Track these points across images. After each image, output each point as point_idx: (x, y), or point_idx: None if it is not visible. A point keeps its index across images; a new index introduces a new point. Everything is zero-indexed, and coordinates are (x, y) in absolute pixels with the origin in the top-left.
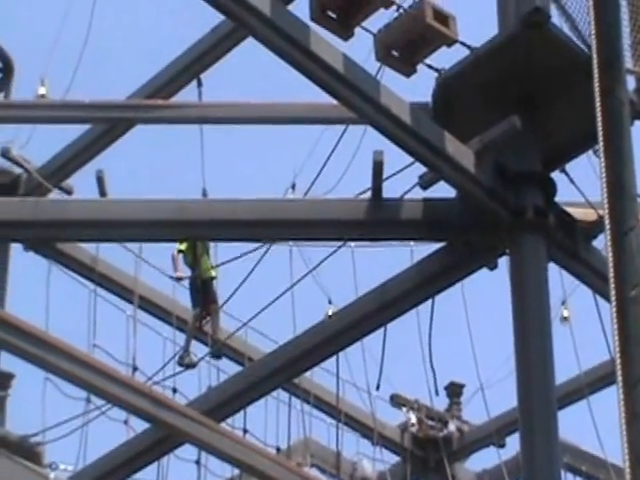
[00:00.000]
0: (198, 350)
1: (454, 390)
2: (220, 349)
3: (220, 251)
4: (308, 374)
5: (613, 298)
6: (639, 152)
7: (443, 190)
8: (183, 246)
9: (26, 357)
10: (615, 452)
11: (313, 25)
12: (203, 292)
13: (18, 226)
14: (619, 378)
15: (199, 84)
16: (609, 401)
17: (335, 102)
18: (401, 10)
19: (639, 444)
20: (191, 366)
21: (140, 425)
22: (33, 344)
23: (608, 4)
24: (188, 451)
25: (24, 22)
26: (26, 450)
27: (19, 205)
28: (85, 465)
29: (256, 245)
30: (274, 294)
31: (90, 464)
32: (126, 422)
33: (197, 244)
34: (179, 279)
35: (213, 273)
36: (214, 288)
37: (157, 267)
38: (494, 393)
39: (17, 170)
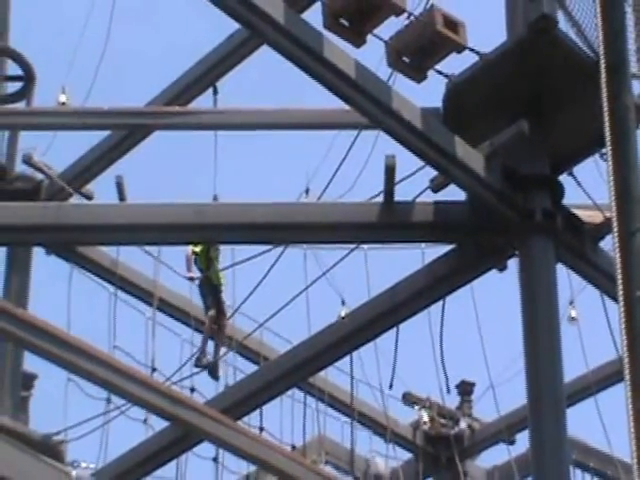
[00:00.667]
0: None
1: (465, 388)
2: (218, 371)
3: (236, 254)
4: (322, 373)
5: (621, 298)
6: None
7: (453, 193)
8: (198, 248)
9: (49, 358)
10: (623, 448)
11: (326, 32)
12: (215, 297)
13: (40, 230)
14: (627, 376)
15: (215, 91)
16: (617, 399)
17: (348, 107)
18: (412, 17)
19: None
20: (208, 366)
21: (159, 424)
22: (55, 345)
23: (614, 11)
24: (206, 449)
25: (44, 31)
26: (49, 448)
27: (41, 210)
28: (106, 463)
29: (265, 248)
30: (289, 296)
31: (111, 462)
32: (145, 421)
33: (210, 249)
34: (191, 279)
35: (222, 280)
36: (223, 297)
37: (175, 270)
38: (504, 391)
39: (39, 176)
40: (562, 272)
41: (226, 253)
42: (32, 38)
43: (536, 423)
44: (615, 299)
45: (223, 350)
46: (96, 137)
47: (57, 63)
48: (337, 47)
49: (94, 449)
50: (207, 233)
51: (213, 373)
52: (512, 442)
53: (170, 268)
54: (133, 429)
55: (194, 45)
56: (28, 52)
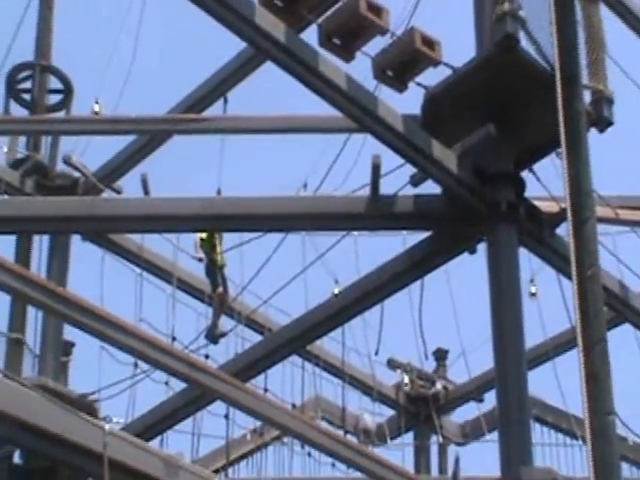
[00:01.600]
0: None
1: (440, 355)
2: (216, 336)
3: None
4: (318, 342)
5: (574, 276)
6: (594, 154)
7: (431, 187)
8: (204, 235)
9: (85, 329)
10: (576, 405)
11: (321, 50)
12: (220, 276)
13: (77, 221)
14: (579, 343)
15: (225, 101)
16: (571, 362)
17: (340, 114)
18: (394, 37)
19: (595, 398)
20: (221, 336)
21: (178, 385)
22: (90, 318)
23: (568, 31)
24: (218, 407)
25: (80, 49)
26: (85, 406)
27: (78, 203)
28: (133, 418)
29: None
30: (289, 276)
31: (137, 418)
32: (167, 383)
33: (214, 235)
34: (199, 259)
35: (225, 262)
36: (225, 276)
37: (191, 254)
38: (474, 357)
39: (76, 174)
40: (524, 254)
41: (235, 240)
42: (69, 55)
43: (502, 384)
44: (569, 277)
45: (223, 321)
46: (124, 141)
47: (91, 75)
48: (330, 62)
49: (123, 407)
50: (219, 222)
51: (213, 338)
52: (481, 400)
53: (187, 253)
54: (156, 390)
55: (211, 58)
56: (65, 68)
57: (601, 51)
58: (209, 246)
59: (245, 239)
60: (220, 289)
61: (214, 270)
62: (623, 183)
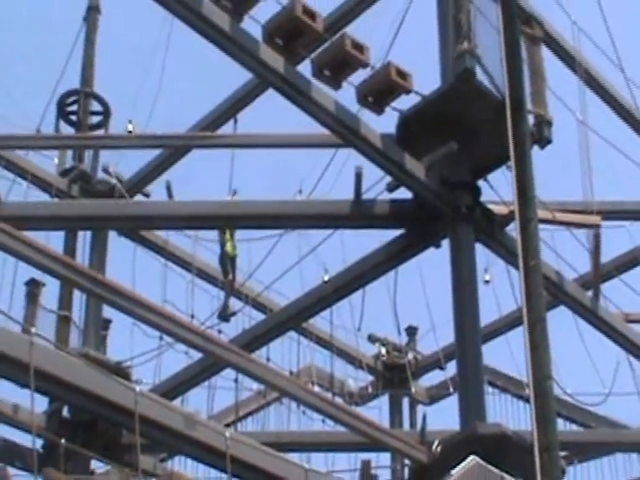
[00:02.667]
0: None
1: (411, 331)
2: (228, 315)
3: (250, 236)
4: (311, 320)
5: (520, 266)
6: (537, 166)
7: (403, 193)
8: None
9: (120, 308)
10: (522, 371)
11: (314, 80)
12: (231, 266)
13: (113, 219)
14: (524, 321)
15: (235, 121)
16: (518, 337)
17: (329, 132)
18: (374, 70)
19: (537, 365)
20: (231, 315)
21: (196, 355)
22: (124, 299)
23: (515, 67)
24: (229, 373)
25: (117, 78)
26: (120, 371)
27: (114, 205)
28: (159, 382)
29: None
30: (287, 266)
31: (163, 381)
32: (187, 353)
33: (224, 231)
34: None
35: (236, 252)
36: (236, 265)
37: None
38: (440, 333)
39: (113, 181)
40: (480, 249)
41: (242, 235)
42: (105, 81)
43: (461, 355)
44: (516, 267)
45: (233, 303)
46: (152, 154)
47: (127, 100)
48: (321, 90)
49: (151, 372)
50: (230, 221)
51: (224, 317)
52: (444, 368)
53: (205, 245)
54: (178, 358)
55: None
56: (106, 92)
57: (542, 83)
58: (222, 240)
59: (252, 235)
60: (230, 276)
61: (226, 260)
62: (559, 190)
